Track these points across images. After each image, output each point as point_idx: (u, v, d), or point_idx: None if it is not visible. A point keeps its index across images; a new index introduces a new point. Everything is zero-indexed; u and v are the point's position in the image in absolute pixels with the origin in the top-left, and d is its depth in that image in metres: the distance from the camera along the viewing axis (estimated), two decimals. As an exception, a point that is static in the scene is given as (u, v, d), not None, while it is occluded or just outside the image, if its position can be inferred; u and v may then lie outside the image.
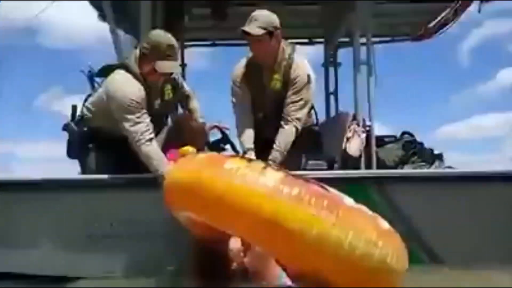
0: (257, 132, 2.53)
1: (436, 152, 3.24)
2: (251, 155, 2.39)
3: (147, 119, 2.20)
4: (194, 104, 2.65)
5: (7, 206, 2.34)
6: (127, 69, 2.27)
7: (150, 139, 2.17)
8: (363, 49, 3.20)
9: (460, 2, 3.37)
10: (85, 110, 2.58)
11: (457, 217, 2.32)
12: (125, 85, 2.23)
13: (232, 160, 1.56)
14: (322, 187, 1.50)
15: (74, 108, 2.65)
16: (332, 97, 4.19)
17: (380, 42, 4.22)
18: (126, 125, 2.18)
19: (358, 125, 2.94)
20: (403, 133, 3.30)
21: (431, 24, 3.84)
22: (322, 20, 3.95)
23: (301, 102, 2.42)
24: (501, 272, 2.15)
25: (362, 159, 2.88)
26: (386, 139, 3.18)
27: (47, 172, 2.59)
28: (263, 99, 2.52)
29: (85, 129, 2.53)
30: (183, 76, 4.19)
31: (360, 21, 3.09)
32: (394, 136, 3.28)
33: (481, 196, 2.35)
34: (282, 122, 2.43)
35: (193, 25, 3.76)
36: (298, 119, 2.42)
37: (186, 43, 4.19)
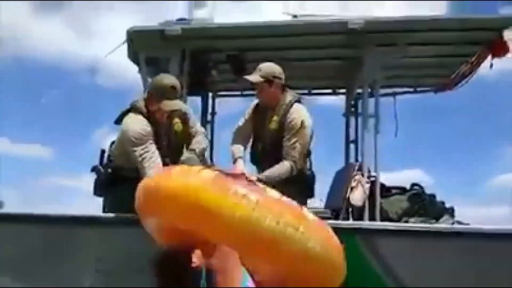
0: (256, 164, 2.90)
1: (448, 205, 3.21)
2: (240, 164, 2.74)
3: (153, 148, 2.53)
4: (198, 142, 2.84)
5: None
6: (136, 110, 2.63)
7: (155, 165, 2.47)
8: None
9: (475, 57, 3.40)
10: (110, 153, 2.95)
11: (443, 272, 2.30)
12: (132, 123, 2.60)
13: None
14: (250, 181, 1.79)
15: (102, 152, 3.03)
16: (352, 146, 4.27)
17: (404, 93, 4.31)
18: (134, 155, 2.51)
19: (363, 175, 3.03)
20: (413, 185, 3.29)
21: (452, 77, 3.87)
22: (344, 73, 4.12)
23: (296, 144, 2.67)
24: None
25: (366, 209, 2.95)
26: (394, 191, 3.20)
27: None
28: (262, 135, 2.85)
29: (109, 170, 2.89)
30: (212, 123, 4.56)
31: (368, 75, 3.23)
32: (403, 188, 3.29)
33: (466, 252, 2.33)
34: (282, 159, 2.69)
35: (222, 77, 4.09)
36: (293, 157, 2.66)
37: (217, 94, 4.60)
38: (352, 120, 4.35)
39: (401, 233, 2.55)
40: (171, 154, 2.69)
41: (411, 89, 4.30)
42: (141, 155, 2.50)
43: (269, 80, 2.77)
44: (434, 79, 4.09)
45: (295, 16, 3.29)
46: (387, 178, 3.27)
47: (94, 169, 2.97)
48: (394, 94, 4.28)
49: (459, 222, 2.98)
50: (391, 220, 2.91)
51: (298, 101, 2.87)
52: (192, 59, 3.45)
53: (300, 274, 1.57)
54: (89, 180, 2.95)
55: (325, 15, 3.20)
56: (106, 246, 2.66)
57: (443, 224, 2.75)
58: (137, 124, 2.59)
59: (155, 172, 2.33)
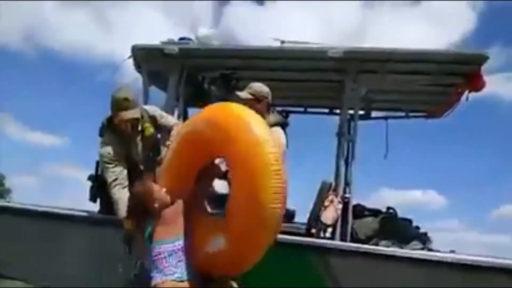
0: None
1: (422, 231, 3.32)
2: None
3: (118, 170, 2.84)
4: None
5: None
6: (107, 126, 2.93)
7: (117, 186, 2.82)
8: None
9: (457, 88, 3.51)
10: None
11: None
12: (102, 146, 2.93)
13: None
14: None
15: (97, 163, 3.30)
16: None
17: (396, 117, 4.43)
18: (106, 178, 2.86)
19: (336, 196, 3.19)
20: (388, 208, 3.42)
21: (439, 105, 3.97)
22: (336, 94, 4.29)
23: None
24: None
25: (338, 228, 3.10)
26: (367, 212, 3.33)
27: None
28: None
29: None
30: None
31: (347, 99, 3.39)
32: (378, 210, 3.42)
33: (414, 278, 2.46)
34: None
35: (219, 92, 4.32)
36: None
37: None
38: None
39: (351, 253, 2.69)
40: (146, 158, 2.98)
41: (403, 114, 4.41)
42: (110, 178, 2.84)
43: (257, 98, 3.02)
44: (424, 106, 4.19)
45: (282, 42, 3.52)
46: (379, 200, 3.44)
47: (89, 177, 3.27)
48: (386, 118, 4.42)
49: (430, 249, 3.07)
50: (360, 240, 3.04)
51: (280, 124, 3.08)
52: (189, 75, 3.72)
53: None
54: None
55: (310, 43, 3.41)
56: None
57: (402, 249, 2.84)
58: (105, 148, 2.91)
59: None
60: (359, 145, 3.88)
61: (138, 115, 2.90)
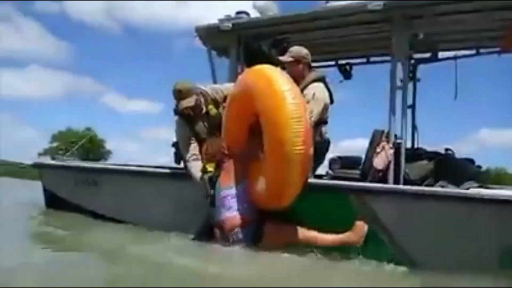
0: None
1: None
2: None
3: (191, 147, 3.44)
4: None
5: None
6: (178, 113, 3.51)
7: (191, 160, 3.41)
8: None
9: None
10: None
11: (428, 229, 2.67)
12: (177, 130, 3.58)
13: None
14: None
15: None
16: (409, 111, 4.38)
17: (466, 56, 4.20)
18: (181, 153, 3.53)
19: (388, 142, 3.31)
20: (446, 149, 3.41)
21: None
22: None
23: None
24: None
25: (391, 172, 3.24)
26: (424, 156, 3.37)
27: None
28: None
29: None
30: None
31: (397, 43, 3.39)
32: (436, 152, 3.43)
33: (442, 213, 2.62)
34: None
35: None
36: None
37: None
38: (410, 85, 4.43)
39: (391, 194, 2.85)
40: (215, 133, 3.45)
41: (473, 52, 4.16)
42: (185, 154, 3.47)
43: (296, 60, 3.43)
44: (494, 41, 3.91)
45: (327, 2, 3.65)
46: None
47: (173, 145, 3.93)
48: (455, 58, 4.23)
49: (481, 186, 3.04)
50: (411, 182, 3.15)
51: (320, 79, 3.33)
52: (246, 44, 4.08)
53: None
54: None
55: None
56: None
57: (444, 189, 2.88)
58: (178, 131, 3.56)
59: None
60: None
61: (192, 104, 3.39)
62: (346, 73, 4.60)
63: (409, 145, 4.28)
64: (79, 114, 61.87)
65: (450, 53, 4.29)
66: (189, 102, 3.38)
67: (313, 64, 4.87)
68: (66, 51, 68.16)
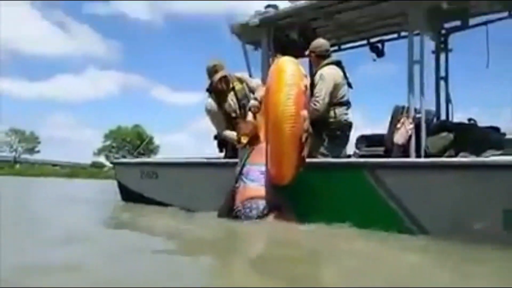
0: None
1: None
2: None
3: (219, 118, 4.07)
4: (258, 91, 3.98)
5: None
6: (209, 91, 4.17)
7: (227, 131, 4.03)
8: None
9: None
10: None
11: (437, 198, 2.84)
12: (207, 104, 4.14)
13: None
14: None
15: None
16: (442, 82, 4.37)
17: (498, 19, 4.06)
18: (214, 125, 4.17)
19: (408, 117, 3.43)
20: (469, 119, 3.43)
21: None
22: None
23: (315, 91, 3.60)
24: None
25: (413, 146, 3.38)
26: (445, 127, 3.43)
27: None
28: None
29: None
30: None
31: (411, 17, 3.48)
32: (459, 123, 3.47)
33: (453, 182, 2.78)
34: None
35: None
36: (315, 101, 3.58)
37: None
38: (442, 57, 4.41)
39: (398, 167, 3.03)
40: (240, 106, 4.10)
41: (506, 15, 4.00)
42: (215, 124, 4.11)
43: (311, 51, 3.92)
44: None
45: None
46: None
47: (215, 137, 4.44)
48: (486, 23, 4.11)
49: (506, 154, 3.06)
50: (432, 155, 3.27)
51: (332, 63, 3.76)
52: (275, 35, 4.39)
53: None
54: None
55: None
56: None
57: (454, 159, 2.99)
58: (208, 105, 4.12)
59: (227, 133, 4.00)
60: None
61: (225, 73, 4.05)
62: (378, 51, 4.71)
63: (444, 117, 4.32)
64: (131, 110, 66.37)
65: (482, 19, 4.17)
66: (222, 73, 4.01)
67: (347, 46, 5.11)
68: (117, 50, 73.02)
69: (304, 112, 3.17)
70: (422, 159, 3.12)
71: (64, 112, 78.36)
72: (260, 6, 4.48)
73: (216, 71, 4.04)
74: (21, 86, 70.45)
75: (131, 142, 45.81)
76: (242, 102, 4.15)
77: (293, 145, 3.13)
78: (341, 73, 3.70)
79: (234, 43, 4.73)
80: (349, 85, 3.80)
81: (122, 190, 5.61)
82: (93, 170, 40.28)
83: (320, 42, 3.88)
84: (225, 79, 4.06)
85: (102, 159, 46.58)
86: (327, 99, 3.57)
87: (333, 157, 3.63)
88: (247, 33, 4.53)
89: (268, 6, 4.47)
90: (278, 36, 4.45)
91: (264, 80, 4.06)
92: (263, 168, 3.39)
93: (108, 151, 46.57)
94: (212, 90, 4.13)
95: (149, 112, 68.40)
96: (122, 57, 71.54)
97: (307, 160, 3.32)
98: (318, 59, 3.84)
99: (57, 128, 72.48)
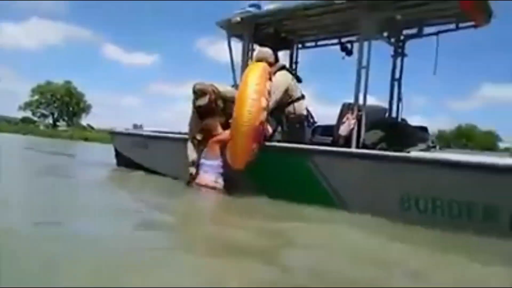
0: None
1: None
2: None
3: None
4: None
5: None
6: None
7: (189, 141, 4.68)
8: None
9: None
10: None
11: (359, 180, 3.58)
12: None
13: None
14: None
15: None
16: (396, 84, 5.00)
17: (447, 30, 4.64)
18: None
19: (352, 113, 4.10)
20: (402, 119, 4.10)
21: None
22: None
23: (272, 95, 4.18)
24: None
25: (354, 139, 4.06)
26: (384, 123, 4.12)
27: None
28: None
29: None
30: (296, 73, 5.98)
31: (364, 25, 4.08)
32: (394, 123, 4.15)
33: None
34: None
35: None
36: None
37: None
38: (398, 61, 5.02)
39: (330, 153, 3.75)
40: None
41: (454, 26, 4.58)
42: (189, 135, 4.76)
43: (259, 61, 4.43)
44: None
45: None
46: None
47: None
48: (438, 33, 4.69)
49: (428, 149, 3.76)
50: (366, 147, 3.95)
51: (280, 68, 4.50)
52: (255, 32, 5.04)
53: None
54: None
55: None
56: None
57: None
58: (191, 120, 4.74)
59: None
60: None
61: (205, 102, 4.44)
62: (347, 51, 5.31)
63: (394, 114, 4.97)
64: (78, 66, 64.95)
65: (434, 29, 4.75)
66: (202, 101, 4.45)
67: (322, 42, 5.72)
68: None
69: (262, 112, 3.87)
70: (342, 149, 3.87)
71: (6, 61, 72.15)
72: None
73: (196, 97, 4.46)
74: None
75: (62, 99, 44.46)
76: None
77: (246, 138, 3.84)
78: (289, 76, 4.37)
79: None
80: (298, 80, 4.47)
81: (117, 155, 6.50)
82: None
83: (262, 53, 4.52)
84: (203, 107, 4.44)
85: (29, 113, 45.41)
86: (275, 101, 4.24)
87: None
88: (232, 27, 5.17)
89: (251, 5, 5.10)
90: (257, 31, 5.10)
91: (243, 67, 4.81)
92: (214, 163, 4.22)
93: (36, 107, 45.10)
94: (203, 111, 4.48)
95: (95, 71, 68.38)
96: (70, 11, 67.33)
97: (267, 143, 4.07)
98: (271, 65, 4.40)
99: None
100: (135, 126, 6.94)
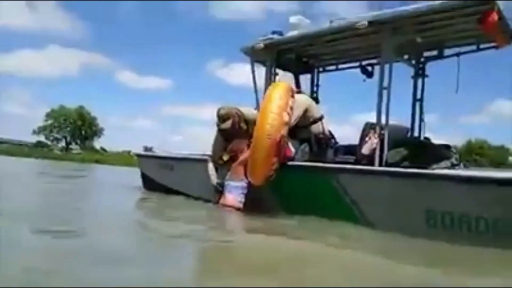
0: None
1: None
2: None
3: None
4: None
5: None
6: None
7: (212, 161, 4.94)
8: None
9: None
10: None
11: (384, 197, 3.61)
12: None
13: None
14: None
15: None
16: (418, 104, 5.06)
17: (468, 52, 4.71)
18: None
19: (375, 132, 4.16)
20: (425, 138, 4.13)
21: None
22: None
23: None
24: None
25: (377, 158, 4.11)
26: (408, 141, 4.17)
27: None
28: None
29: None
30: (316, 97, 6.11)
31: (383, 55, 4.20)
32: (418, 141, 4.19)
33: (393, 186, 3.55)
34: None
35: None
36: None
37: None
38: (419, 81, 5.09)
39: (352, 171, 3.79)
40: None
41: (475, 47, 4.65)
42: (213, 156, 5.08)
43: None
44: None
45: (331, 22, 4.59)
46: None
47: None
48: (458, 54, 4.76)
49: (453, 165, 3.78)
50: (390, 165, 3.99)
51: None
52: (278, 57, 5.23)
53: None
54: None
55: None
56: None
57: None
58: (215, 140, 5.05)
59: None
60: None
61: (228, 126, 4.69)
62: (368, 73, 5.43)
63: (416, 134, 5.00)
64: (94, 91, 66.66)
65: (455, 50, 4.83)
66: (225, 125, 4.70)
67: (343, 66, 5.87)
68: (82, 29, 70.76)
69: (284, 127, 3.98)
70: (366, 167, 3.91)
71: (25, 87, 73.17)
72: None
73: (221, 122, 4.74)
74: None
75: (75, 123, 45.46)
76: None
77: (267, 151, 3.90)
78: (307, 97, 4.51)
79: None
80: (316, 101, 4.60)
81: (143, 178, 6.71)
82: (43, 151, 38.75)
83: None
84: (226, 130, 4.73)
85: (42, 138, 46.08)
86: (296, 120, 4.39)
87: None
88: (255, 53, 5.38)
89: (274, 32, 5.32)
90: (279, 57, 5.30)
91: (266, 91, 4.93)
92: (239, 184, 4.37)
93: (49, 131, 45.98)
94: (228, 134, 4.76)
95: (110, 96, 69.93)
96: (88, 37, 69.58)
97: (290, 163, 4.16)
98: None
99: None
100: (145, 149, 6.99)
